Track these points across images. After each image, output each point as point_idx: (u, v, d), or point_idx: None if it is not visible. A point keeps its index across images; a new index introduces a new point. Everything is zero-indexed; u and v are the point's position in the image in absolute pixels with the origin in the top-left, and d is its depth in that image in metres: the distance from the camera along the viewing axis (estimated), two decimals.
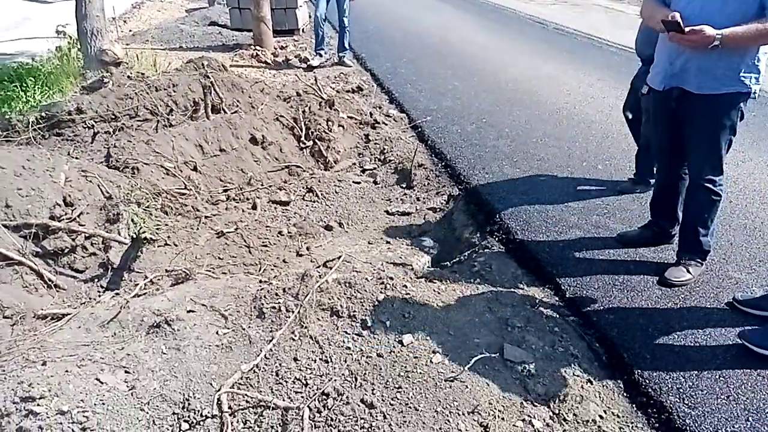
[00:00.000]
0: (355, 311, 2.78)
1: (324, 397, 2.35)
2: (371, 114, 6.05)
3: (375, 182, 4.93)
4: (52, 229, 3.44)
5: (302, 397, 2.36)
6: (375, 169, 5.12)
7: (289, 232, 4.04)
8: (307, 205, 4.53)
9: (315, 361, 2.53)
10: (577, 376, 2.53)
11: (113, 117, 5.00)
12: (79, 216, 3.56)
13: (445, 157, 5.02)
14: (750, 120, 5.00)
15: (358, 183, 4.90)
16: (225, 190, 4.47)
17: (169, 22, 11.07)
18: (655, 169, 3.84)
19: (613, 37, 9.11)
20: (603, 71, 7.42)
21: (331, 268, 3.03)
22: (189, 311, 2.74)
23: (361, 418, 2.25)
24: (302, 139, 5.32)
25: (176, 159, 4.40)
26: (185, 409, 2.28)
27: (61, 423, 2.11)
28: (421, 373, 2.46)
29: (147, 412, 2.25)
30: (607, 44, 8.88)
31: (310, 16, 8.91)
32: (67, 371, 2.34)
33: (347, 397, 2.33)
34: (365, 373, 2.46)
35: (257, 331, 2.67)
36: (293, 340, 2.62)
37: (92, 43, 5.81)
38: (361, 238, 4.08)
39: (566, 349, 2.68)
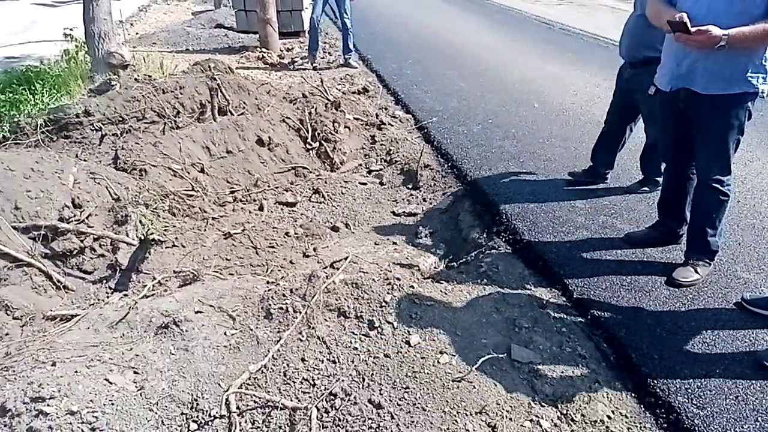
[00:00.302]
0: (362, 312, 2.79)
1: (332, 397, 2.35)
2: (377, 115, 6.06)
3: (381, 183, 4.94)
4: (60, 231, 3.46)
5: (310, 397, 2.37)
6: (381, 170, 5.13)
7: (295, 233, 4.05)
8: (313, 206, 4.54)
9: (323, 361, 2.53)
10: (585, 376, 2.53)
11: (121, 119, 5.02)
12: (87, 218, 3.59)
13: (452, 157, 5.02)
14: (758, 119, 4.98)
15: (365, 184, 4.90)
16: (232, 192, 4.49)
17: (176, 24, 11.12)
18: (662, 168, 3.85)
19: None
20: (609, 71, 7.37)
21: (338, 269, 3.04)
22: (197, 312, 2.76)
23: (369, 419, 2.25)
24: (308, 140, 5.33)
25: (183, 161, 4.42)
26: (194, 410, 2.29)
27: (70, 423, 2.13)
28: (428, 373, 2.46)
29: (156, 413, 2.26)
30: (613, 44, 8.84)
31: (314, 17, 8.91)
32: (76, 372, 2.36)
33: (355, 398, 2.33)
34: (373, 374, 2.46)
35: (265, 332, 2.68)
36: (301, 340, 2.63)
37: (99, 46, 5.84)
38: (368, 239, 4.09)
39: (574, 350, 2.68)
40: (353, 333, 2.69)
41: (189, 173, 4.34)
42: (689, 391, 2.41)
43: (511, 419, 2.29)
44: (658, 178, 4.02)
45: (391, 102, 6.78)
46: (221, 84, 5.30)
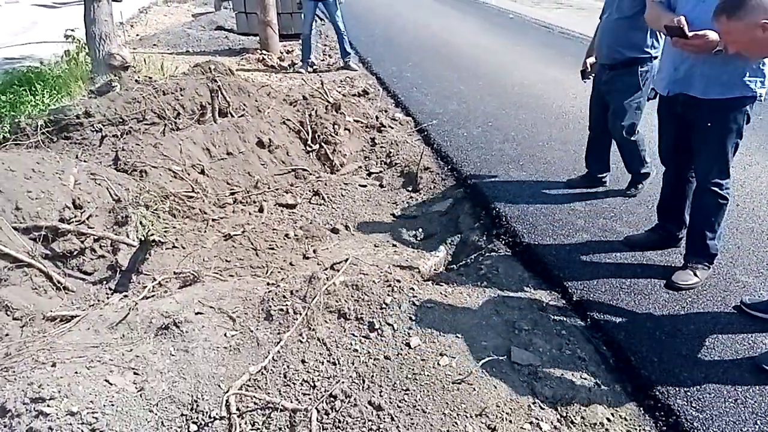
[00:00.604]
0: (362, 314, 2.79)
1: (332, 399, 2.35)
2: (377, 117, 6.07)
3: (381, 185, 4.95)
4: (61, 232, 3.46)
5: (310, 398, 2.37)
6: (381, 172, 5.13)
7: (295, 235, 4.05)
8: (313, 208, 4.55)
9: (323, 363, 2.54)
10: (585, 379, 2.53)
11: (121, 120, 5.03)
12: (88, 218, 3.59)
13: (451, 160, 5.03)
14: (757, 123, 4.99)
15: (365, 186, 4.91)
16: (232, 193, 4.49)
17: (176, 26, 11.14)
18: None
19: None
20: None
21: (338, 271, 3.04)
22: (197, 313, 2.76)
23: (369, 420, 2.25)
24: (309, 142, 5.34)
25: (184, 162, 4.42)
26: (194, 411, 2.29)
27: (70, 424, 2.13)
28: (428, 375, 2.46)
29: (156, 414, 2.26)
30: None
31: (318, 20, 8.94)
32: (76, 372, 2.36)
33: (355, 399, 2.34)
34: (373, 375, 2.46)
35: (265, 333, 2.68)
36: (301, 342, 2.63)
37: (100, 47, 5.85)
38: (368, 241, 4.09)
39: (573, 352, 2.68)
40: (353, 335, 2.70)
41: (189, 175, 4.34)
42: (688, 394, 2.42)
43: (510, 421, 2.29)
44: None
45: (391, 104, 6.79)
46: (221, 86, 5.31)
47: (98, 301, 3.33)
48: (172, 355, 2.53)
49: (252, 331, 2.68)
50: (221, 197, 4.40)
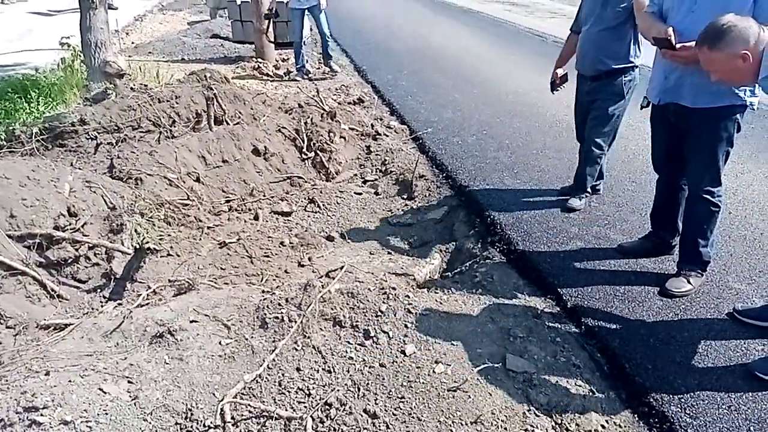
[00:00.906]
0: (357, 321, 2.79)
1: (327, 407, 2.35)
2: (372, 125, 6.09)
3: (376, 193, 4.96)
4: (55, 240, 3.46)
5: (305, 407, 2.37)
6: (376, 180, 5.15)
7: (291, 243, 4.05)
8: (308, 216, 4.55)
9: (318, 371, 2.53)
10: (579, 386, 2.54)
11: (116, 128, 5.03)
12: (82, 226, 3.58)
13: (446, 168, 5.05)
14: (748, 132, 5.04)
15: (360, 194, 4.92)
16: (227, 201, 4.49)
17: (171, 34, 11.16)
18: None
19: None
20: None
21: (333, 278, 3.04)
22: (192, 321, 2.75)
23: (364, 429, 2.25)
24: (304, 150, 5.35)
25: (179, 170, 4.43)
26: (188, 420, 2.28)
27: None
28: (423, 383, 2.47)
29: (150, 423, 2.25)
30: None
31: (311, 29, 8.98)
32: (70, 381, 2.35)
33: (350, 407, 2.33)
34: (368, 383, 2.46)
35: (260, 341, 2.68)
36: (296, 350, 2.63)
37: (96, 55, 5.86)
38: (363, 248, 4.10)
39: (568, 359, 2.69)
40: (349, 342, 2.70)
41: (184, 182, 4.34)
42: (682, 400, 2.43)
43: (506, 429, 2.30)
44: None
45: (387, 112, 6.82)
46: (217, 94, 5.33)
47: (92, 309, 3.31)
48: (167, 364, 2.52)
49: (247, 339, 2.68)
50: (216, 205, 4.40)
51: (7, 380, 2.37)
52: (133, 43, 10.52)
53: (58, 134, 4.68)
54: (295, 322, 2.73)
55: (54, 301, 3.29)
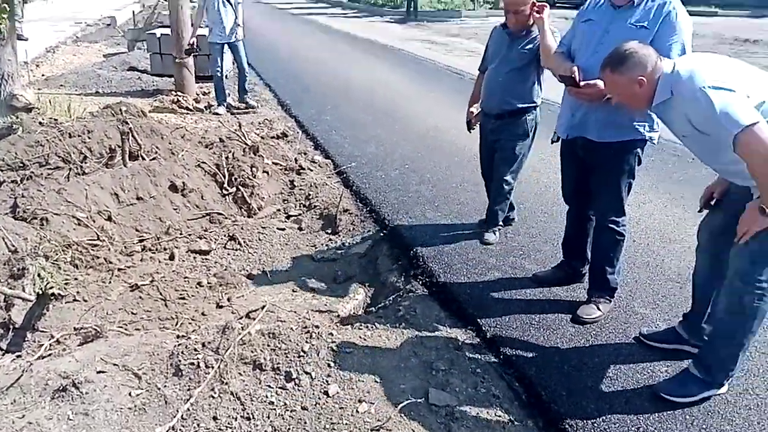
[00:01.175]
0: (279, 363, 2.72)
1: None
2: (296, 160, 6.07)
3: (300, 228, 4.92)
4: None
5: None
6: (300, 215, 5.11)
7: (209, 283, 3.92)
8: (228, 254, 4.43)
9: (236, 418, 2.44)
10: (499, 416, 2.58)
11: (21, 165, 4.75)
12: None
13: (370, 202, 5.09)
14: (649, 165, 5.41)
15: (283, 229, 4.86)
16: (141, 240, 4.30)
17: (86, 66, 10.73)
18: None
19: None
20: None
21: (254, 319, 2.97)
22: (99, 372, 2.59)
23: None
24: (225, 185, 5.24)
25: (89, 208, 4.21)
26: None
27: None
28: (347, 423, 2.43)
29: None
30: None
31: (233, 63, 8.91)
32: None
33: None
34: (289, 428, 2.40)
35: (174, 390, 2.55)
36: (213, 397, 2.52)
37: (2, 88, 5.55)
38: (286, 286, 4.03)
39: (488, 390, 2.74)
40: (269, 386, 2.62)
41: (95, 221, 4.13)
42: (595, 425, 2.51)
43: None
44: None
45: (311, 147, 6.83)
46: (133, 128, 5.15)
47: None
48: (70, 420, 2.35)
49: (159, 389, 2.54)
50: (129, 245, 4.20)
51: None
52: (43, 75, 10.02)
53: None
54: (212, 367, 2.63)
55: None
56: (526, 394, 2.76)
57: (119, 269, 3.84)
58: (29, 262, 3.47)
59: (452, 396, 2.67)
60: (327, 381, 2.67)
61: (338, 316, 3.54)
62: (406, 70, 11.64)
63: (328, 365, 2.76)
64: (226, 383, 2.58)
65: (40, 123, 5.53)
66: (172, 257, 4.19)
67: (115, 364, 2.65)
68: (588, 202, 3.35)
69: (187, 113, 7.96)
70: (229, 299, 3.75)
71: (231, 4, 7.74)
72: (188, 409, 2.43)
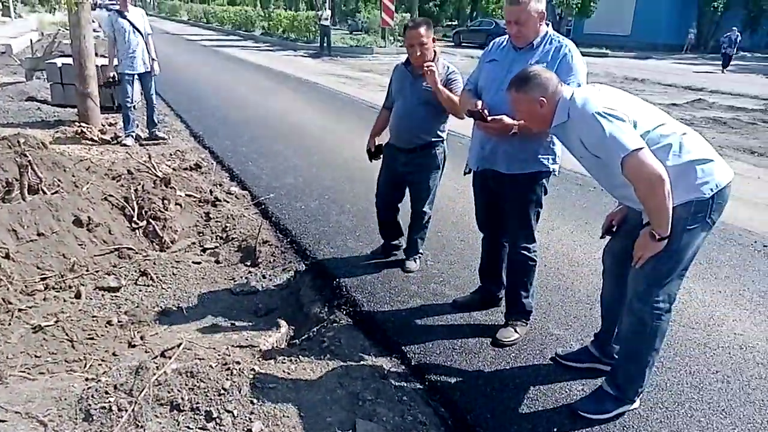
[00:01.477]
0: (198, 403, 2.60)
1: None
2: (211, 191, 5.92)
3: (217, 261, 4.76)
4: None
5: None
6: (217, 247, 4.95)
7: (119, 321, 3.69)
8: (140, 290, 4.20)
9: None
10: None
11: None
12: None
13: (291, 233, 5.05)
14: (554, 193, 5.75)
15: (199, 263, 4.69)
16: (43, 279, 3.99)
17: None
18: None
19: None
20: None
21: (169, 358, 2.83)
22: None
23: None
24: (134, 219, 5.00)
25: None
26: None
27: None
28: None
29: None
30: None
31: (142, 94, 8.60)
32: None
33: None
34: None
35: None
36: None
37: None
38: (204, 322, 3.87)
39: (415, 417, 2.75)
40: (188, 428, 2.49)
41: None
42: None
43: None
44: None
45: (226, 178, 6.69)
46: (32, 160, 4.82)
47: None
48: None
49: None
50: (30, 284, 3.88)
51: None
52: None
53: None
54: (126, 410, 2.46)
55: None
56: (452, 419, 2.80)
57: (19, 310, 3.53)
58: None
59: (379, 426, 2.66)
60: (250, 419, 2.58)
61: (260, 350, 3.44)
62: (321, 104, 11.76)
63: (251, 402, 2.67)
64: (142, 426, 2.43)
65: None
66: (78, 295, 3.90)
67: (16, 412, 2.41)
68: (501, 230, 3.51)
69: (93, 145, 7.56)
70: (142, 338, 3.54)
71: (141, 34, 7.52)
72: None
